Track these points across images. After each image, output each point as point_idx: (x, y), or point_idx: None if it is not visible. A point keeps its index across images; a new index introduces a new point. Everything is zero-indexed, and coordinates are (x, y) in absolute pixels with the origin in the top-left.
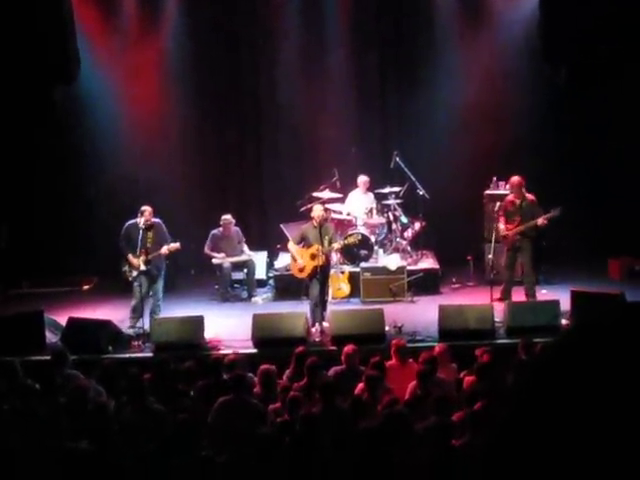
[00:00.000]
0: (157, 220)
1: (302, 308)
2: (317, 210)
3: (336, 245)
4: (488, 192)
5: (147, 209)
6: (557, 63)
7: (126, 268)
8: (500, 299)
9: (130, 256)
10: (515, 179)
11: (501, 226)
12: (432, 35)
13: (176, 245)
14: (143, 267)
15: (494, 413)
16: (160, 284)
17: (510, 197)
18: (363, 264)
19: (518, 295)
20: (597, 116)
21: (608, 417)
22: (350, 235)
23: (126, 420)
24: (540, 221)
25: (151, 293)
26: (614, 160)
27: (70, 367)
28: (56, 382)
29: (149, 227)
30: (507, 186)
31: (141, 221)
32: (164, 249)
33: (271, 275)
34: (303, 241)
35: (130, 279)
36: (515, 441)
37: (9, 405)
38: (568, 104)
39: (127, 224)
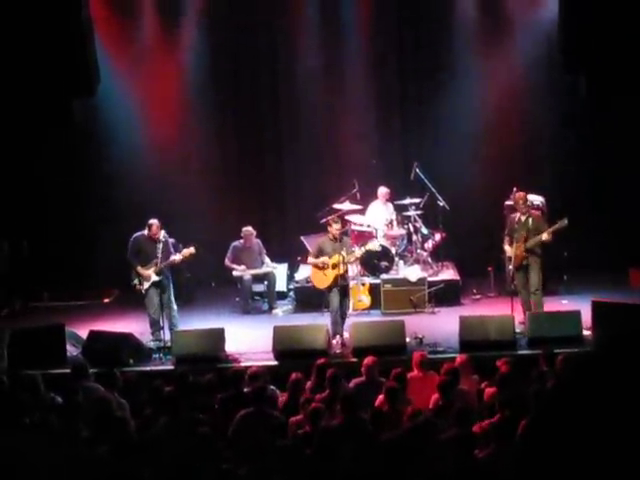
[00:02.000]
0: (164, 235)
1: (323, 320)
2: (335, 226)
3: (357, 252)
4: (508, 203)
5: (154, 222)
6: (577, 73)
7: (136, 281)
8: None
9: (139, 268)
10: (519, 195)
11: (506, 247)
12: (452, 45)
13: (190, 250)
14: (155, 277)
15: (515, 424)
16: (171, 294)
17: (515, 215)
18: (383, 276)
19: (548, 306)
20: (618, 126)
21: (632, 431)
22: (370, 243)
23: (154, 433)
24: (545, 236)
25: (165, 304)
26: (635, 169)
27: (91, 380)
28: (77, 395)
29: (156, 240)
30: (511, 202)
31: (147, 234)
32: (177, 256)
33: (292, 287)
34: (320, 255)
35: (142, 292)
36: (541, 453)
37: (30, 419)
38: (589, 114)
39: (134, 236)
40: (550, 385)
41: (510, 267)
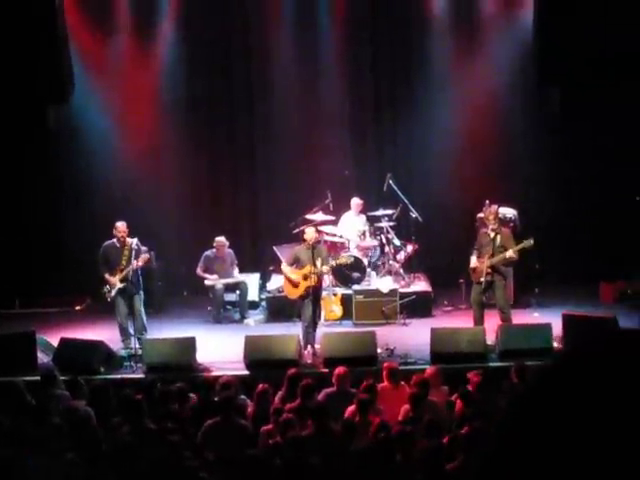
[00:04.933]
0: (136, 243)
1: (294, 330)
2: (309, 233)
3: (327, 267)
4: (480, 215)
5: (119, 224)
6: (551, 85)
7: (105, 289)
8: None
9: (107, 275)
10: (489, 211)
11: (473, 259)
12: (426, 57)
13: (146, 256)
14: (119, 285)
15: (484, 436)
16: (139, 301)
17: (484, 230)
18: (355, 286)
19: (519, 319)
20: (591, 138)
21: (598, 442)
22: (341, 256)
23: (122, 440)
24: (509, 254)
25: (133, 311)
26: (608, 184)
27: (61, 388)
28: (46, 402)
29: (124, 245)
30: (483, 215)
31: (115, 239)
32: (134, 263)
33: (263, 297)
34: (296, 263)
35: (109, 299)
36: (506, 467)
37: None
38: (562, 128)
39: (104, 244)
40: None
41: (482, 279)
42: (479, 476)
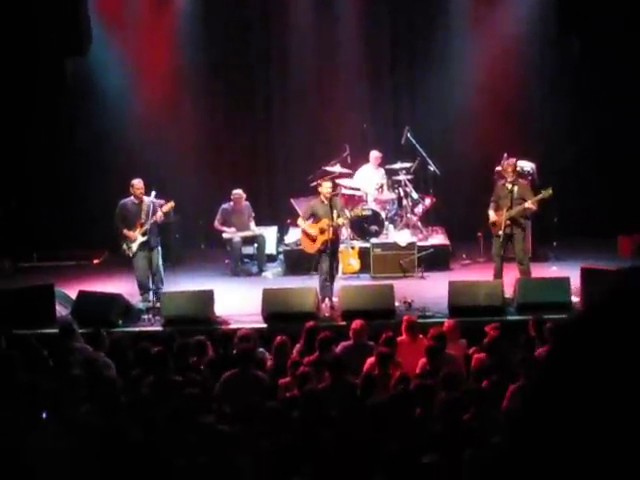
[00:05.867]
0: (151, 199)
1: (312, 283)
2: (325, 187)
3: (342, 219)
4: (498, 168)
5: (136, 182)
6: (570, 34)
7: (124, 245)
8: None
9: (125, 231)
10: (507, 163)
11: (491, 213)
12: (445, 10)
13: (170, 204)
14: (141, 238)
15: (503, 389)
16: (158, 255)
17: (502, 182)
18: (373, 240)
19: (537, 272)
20: (611, 89)
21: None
22: (358, 208)
23: (142, 392)
24: (527, 204)
25: (153, 266)
26: (628, 136)
27: (79, 340)
28: (65, 355)
29: (141, 202)
30: (501, 168)
31: (132, 196)
32: (159, 214)
33: (281, 250)
34: (312, 217)
35: (130, 255)
36: (533, 433)
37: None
38: (582, 76)
39: (121, 202)
40: (540, 358)
41: (500, 232)
42: (512, 441)
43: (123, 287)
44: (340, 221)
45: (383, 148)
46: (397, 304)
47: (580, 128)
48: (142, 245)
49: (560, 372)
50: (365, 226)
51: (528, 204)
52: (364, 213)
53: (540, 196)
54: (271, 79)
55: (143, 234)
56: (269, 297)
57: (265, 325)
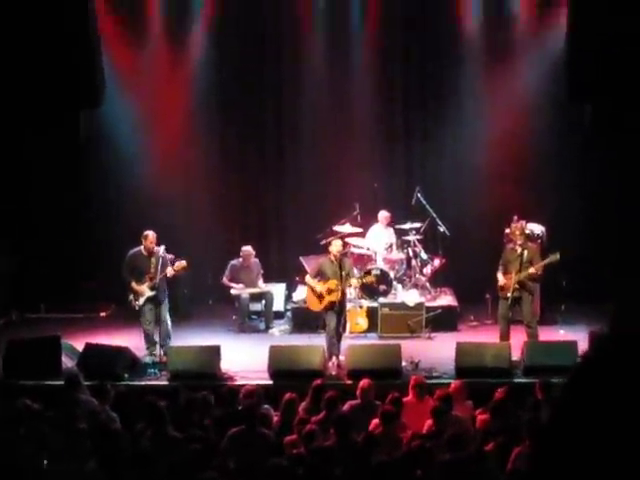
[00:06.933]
0: (163, 251)
1: (319, 341)
2: (336, 245)
3: (354, 282)
4: (508, 231)
5: (149, 233)
6: (582, 102)
7: (131, 297)
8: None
9: (133, 284)
10: (516, 226)
11: (499, 276)
12: (458, 72)
13: (182, 263)
14: (149, 292)
15: (508, 451)
16: (165, 309)
17: (510, 245)
18: (382, 299)
19: (545, 335)
20: (622, 157)
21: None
22: (368, 273)
23: (144, 447)
24: (532, 270)
25: (160, 320)
26: (636, 202)
27: (85, 393)
28: (70, 407)
29: (151, 254)
30: (509, 231)
31: (143, 248)
32: (169, 270)
33: (289, 307)
34: (320, 275)
35: (137, 308)
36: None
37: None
38: (593, 144)
39: (130, 253)
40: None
41: (509, 295)
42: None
43: (130, 340)
44: (353, 282)
45: (393, 208)
46: (404, 364)
47: (592, 193)
48: (150, 299)
49: (572, 414)
50: (374, 286)
51: (532, 270)
52: (375, 280)
53: (547, 261)
54: (283, 136)
55: (152, 288)
56: (276, 354)
57: (271, 382)
